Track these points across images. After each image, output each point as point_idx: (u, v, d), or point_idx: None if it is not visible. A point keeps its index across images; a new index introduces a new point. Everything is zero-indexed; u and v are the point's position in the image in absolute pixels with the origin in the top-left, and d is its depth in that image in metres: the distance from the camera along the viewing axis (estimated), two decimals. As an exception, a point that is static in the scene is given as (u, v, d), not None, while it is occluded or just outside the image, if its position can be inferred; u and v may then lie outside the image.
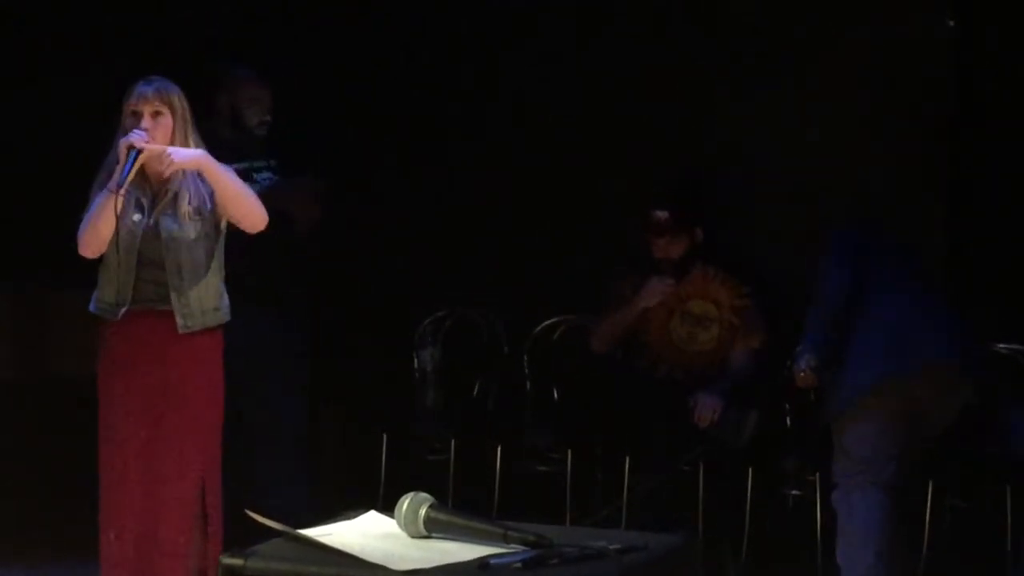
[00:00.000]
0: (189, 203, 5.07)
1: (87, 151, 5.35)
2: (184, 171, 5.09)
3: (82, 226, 5.04)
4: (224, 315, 5.22)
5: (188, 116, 5.12)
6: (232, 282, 5.29)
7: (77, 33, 7.15)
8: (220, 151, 5.56)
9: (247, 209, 5.17)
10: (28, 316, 6.51)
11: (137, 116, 5.05)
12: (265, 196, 5.52)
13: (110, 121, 5.17)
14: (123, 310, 5.08)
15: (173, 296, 5.07)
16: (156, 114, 5.05)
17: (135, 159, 4.96)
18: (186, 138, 5.10)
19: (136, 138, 4.97)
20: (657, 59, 6.81)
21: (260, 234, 5.26)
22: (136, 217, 5.06)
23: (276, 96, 6.24)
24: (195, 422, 5.14)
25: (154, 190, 5.10)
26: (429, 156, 7.09)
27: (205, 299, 5.13)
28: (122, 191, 4.95)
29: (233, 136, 6.08)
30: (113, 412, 5.13)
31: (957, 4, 6.59)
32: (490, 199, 6.92)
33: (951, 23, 6.57)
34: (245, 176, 5.72)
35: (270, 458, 6.14)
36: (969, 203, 6.58)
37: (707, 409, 6.26)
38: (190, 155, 5.06)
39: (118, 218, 4.98)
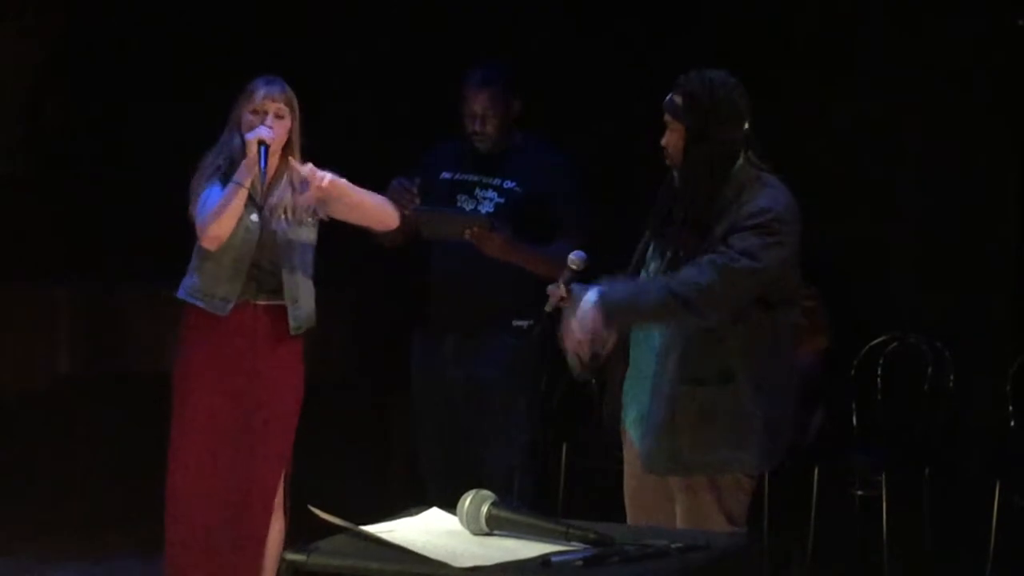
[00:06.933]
0: (299, 205, 4.98)
1: (153, 147, 5.34)
2: (287, 174, 5.00)
3: (205, 217, 4.91)
4: (315, 317, 5.13)
5: (299, 119, 5.01)
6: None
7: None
8: (441, 159, 5.55)
9: (376, 215, 5.07)
10: (97, 311, 6.53)
11: (259, 114, 4.94)
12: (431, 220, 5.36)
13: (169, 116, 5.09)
14: (230, 305, 4.98)
15: (288, 299, 4.99)
16: (279, 115, 4.95)
17: (266, 155, 4.87)
18: (297, 141, 5.00)
19: (266, 134, 4.88)
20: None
21: None
22: (253, 217, 4.97)
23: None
24: (284, 419, 5.06)
25: (262, 190, 5.00)
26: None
27: (310, 302, 5.06)
28: (246, 184, 4.89)
29: (457, 144, 5.68)
30: (199, 402, 5.01)
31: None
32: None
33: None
34: (458, 187, 5.52)
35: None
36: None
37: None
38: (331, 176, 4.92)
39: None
